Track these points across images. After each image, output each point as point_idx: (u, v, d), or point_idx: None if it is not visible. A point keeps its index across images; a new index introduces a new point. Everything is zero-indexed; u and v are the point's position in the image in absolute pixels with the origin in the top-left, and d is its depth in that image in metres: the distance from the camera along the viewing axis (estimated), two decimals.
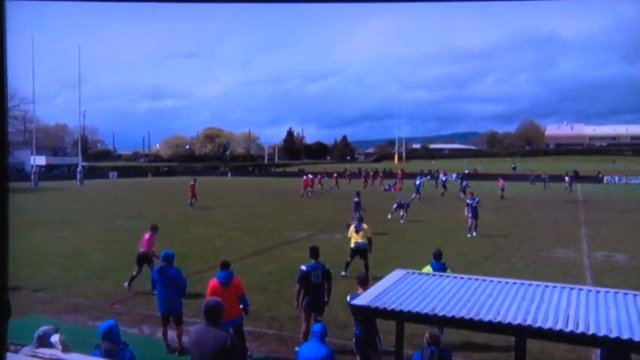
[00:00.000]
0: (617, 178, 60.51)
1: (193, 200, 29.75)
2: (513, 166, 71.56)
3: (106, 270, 13.52)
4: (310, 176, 43.77)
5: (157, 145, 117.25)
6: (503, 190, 37.12)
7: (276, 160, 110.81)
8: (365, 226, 12.90)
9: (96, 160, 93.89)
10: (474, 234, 19.68)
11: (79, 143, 64.05)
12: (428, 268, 9.38)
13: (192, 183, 30.41)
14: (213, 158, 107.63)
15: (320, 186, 46.35)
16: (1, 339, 2.51)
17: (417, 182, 34.61)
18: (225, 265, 7.73)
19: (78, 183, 54.07)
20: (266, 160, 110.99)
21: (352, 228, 13.00)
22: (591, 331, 4.12)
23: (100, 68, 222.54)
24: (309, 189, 40.60)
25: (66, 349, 3.82)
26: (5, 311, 2.81)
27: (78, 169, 56.75)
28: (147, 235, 11.78)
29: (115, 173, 72.90)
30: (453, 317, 4.55)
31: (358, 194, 24.13)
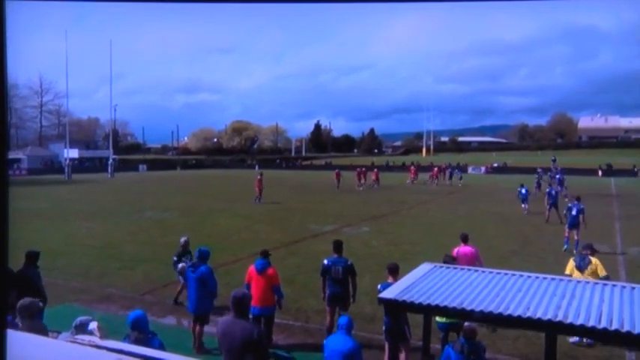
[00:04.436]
0: None
1: (260, 195, 28.32)
2: (553, 158, 69.27)
3: (137, 261, 13.80)
4: (363, 169, 41.28)
5: (186, 139, 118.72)
6: None
7: (304, 153, 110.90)
8: (593, 259, 8.65)
9: (126, 152, 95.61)
10: (571, 247, 15.27)
11: (110, 136, 65.42)
12: (571, 262, 8.75)
13: (258, 177, 28.86)
14: (241, 151, 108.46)
15: (376, 181, 41.06)
16: (1, 323, 2.60)
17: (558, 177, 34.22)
18: (264, 254, 7.92)
19: (109, 175, 55.27)
20: (293, 153, 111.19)
21: (572, 263, 8.78)
22: (625, 329, 4.02)
23: (139, 64, 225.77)
24: (362, 182, 39.20)
25: (104, 336, 3.94)
26: (5, 296, 2.91)
27: (109, 162, 58.01)
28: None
29: (145, 166, 74.12)
30: (481, 312, 4.49)
31: (523, 185, 25.16)
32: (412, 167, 49.92)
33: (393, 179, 46.93)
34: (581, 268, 8.49)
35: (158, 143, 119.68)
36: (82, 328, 4.27)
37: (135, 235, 17.89)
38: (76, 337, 4.02)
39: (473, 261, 8.81)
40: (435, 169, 47.37)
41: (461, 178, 45.31)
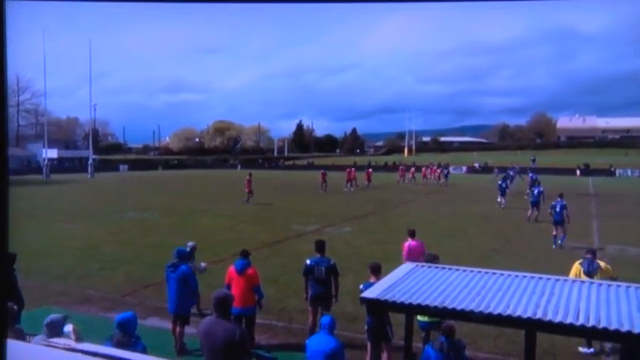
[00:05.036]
0: (629, 171, 59.46)
1: (250, 196, 27.89)
2: (532, 158, 70.01)
3: (118, 262, 13.65)
4: (353, 170, 39.46)
5: (167, 139, 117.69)
6: None
7: (286, 153, 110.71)
8: (602, 263, 8.45)
9: (107, 153, 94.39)
10: (559, 243, 16.14)
11: (90, 136, 64.54)
12: (577, 266, 8.46)
13: (247, 178, 28.50)
14: (223, 151, 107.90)
15: (367, 182, 40.05)
16: (1, 325, 2.56)
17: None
18: (244, 254, 7.92)
19: (89, 176, 54.50)
20: (275, 153, 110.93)
21: (579, 267, 8.42)
22: (602, 325, 4.10)
23: (127, 63, 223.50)
24: (352, 182, 37.69)
25: (79, 338, 3.88)
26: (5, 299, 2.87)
27: (89, 162, 57.20)
28: None
29: (126, 166, 73.31)
30: (462, 310, 4.54)
31: (504, 179, 27.65)
32: (401, 167, 49.98)
33: (379, 179, 47.10)
34: (590, 273, 8.16)
35: (139, 143, 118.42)
36: (55, 328, 4.19)
37: (116, 236, 17.68)
38: (51, 340, 3.95)
39: (421, 254, 9.49)
40: (435, 168, 48.06)
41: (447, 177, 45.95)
